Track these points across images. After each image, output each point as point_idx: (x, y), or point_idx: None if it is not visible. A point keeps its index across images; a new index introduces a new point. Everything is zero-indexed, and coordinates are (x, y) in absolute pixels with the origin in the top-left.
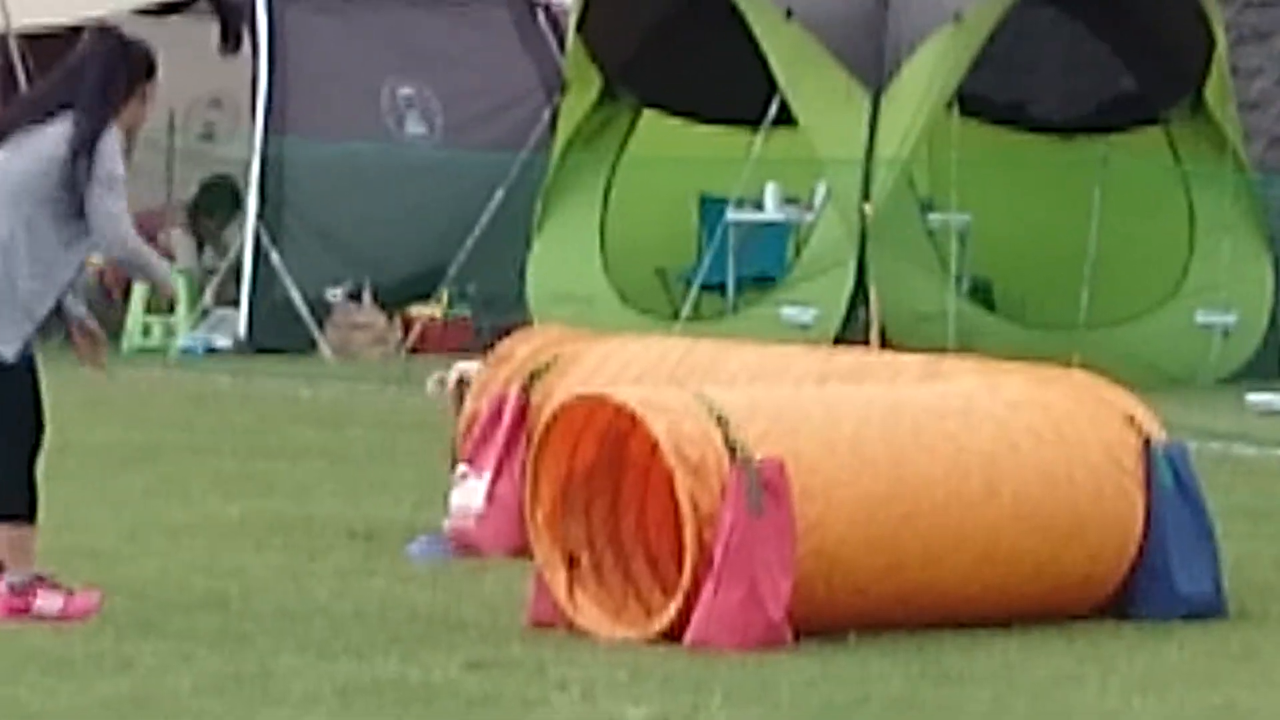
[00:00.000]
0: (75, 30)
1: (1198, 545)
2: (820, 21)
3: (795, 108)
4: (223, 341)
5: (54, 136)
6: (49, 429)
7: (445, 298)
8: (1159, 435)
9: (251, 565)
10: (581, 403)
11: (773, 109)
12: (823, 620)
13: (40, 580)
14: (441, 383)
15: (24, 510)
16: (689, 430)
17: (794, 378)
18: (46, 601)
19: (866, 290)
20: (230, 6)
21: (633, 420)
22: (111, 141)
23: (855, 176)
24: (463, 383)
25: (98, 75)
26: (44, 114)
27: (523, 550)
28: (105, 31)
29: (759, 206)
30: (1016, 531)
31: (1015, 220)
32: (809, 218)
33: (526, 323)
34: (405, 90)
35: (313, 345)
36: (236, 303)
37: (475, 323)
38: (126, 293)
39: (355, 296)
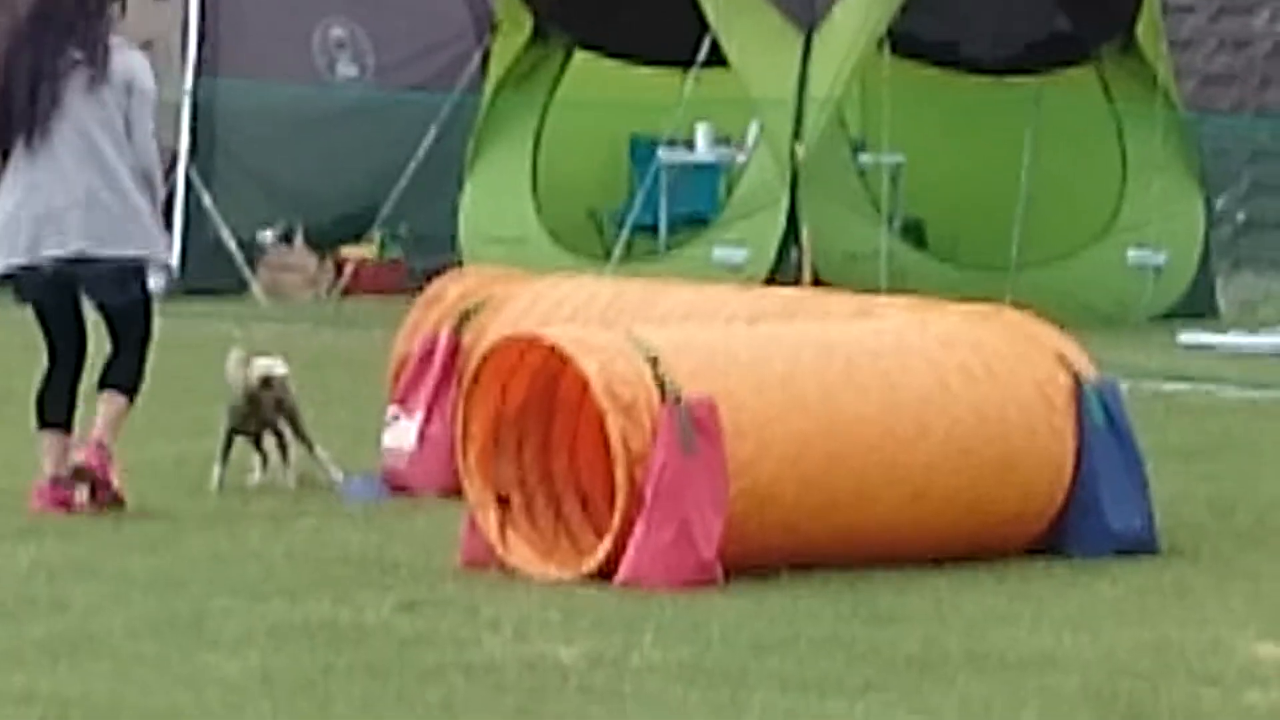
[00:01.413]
0: None
1: (1129, 482)
2: None
3: (727, 48)
4: (154, 283)
5: (122, 64)
6: None
7: (377, 239)
8: (1090, 373)
9: (184, 507)
10: (513, 343)
11: (704, 50)
12: (754, 559)
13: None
14: (245, 363)
15: (132, 387)
16: (620, 370)
17: (725, 317)
18: (80, 494)
19: (798, 230)
20: None
21: (564, 360)
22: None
23: (787, 117)
24: (268, 382)
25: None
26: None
27: (455, 490)
28: None
29: (691, 147)
30: (948, 470)
31: (947, 160)
32: (741, 158)
33: (458, 264)
34: (337, 32)
35: (244, 287)
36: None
37: (407, 264)
38: None
39: (287, 238)
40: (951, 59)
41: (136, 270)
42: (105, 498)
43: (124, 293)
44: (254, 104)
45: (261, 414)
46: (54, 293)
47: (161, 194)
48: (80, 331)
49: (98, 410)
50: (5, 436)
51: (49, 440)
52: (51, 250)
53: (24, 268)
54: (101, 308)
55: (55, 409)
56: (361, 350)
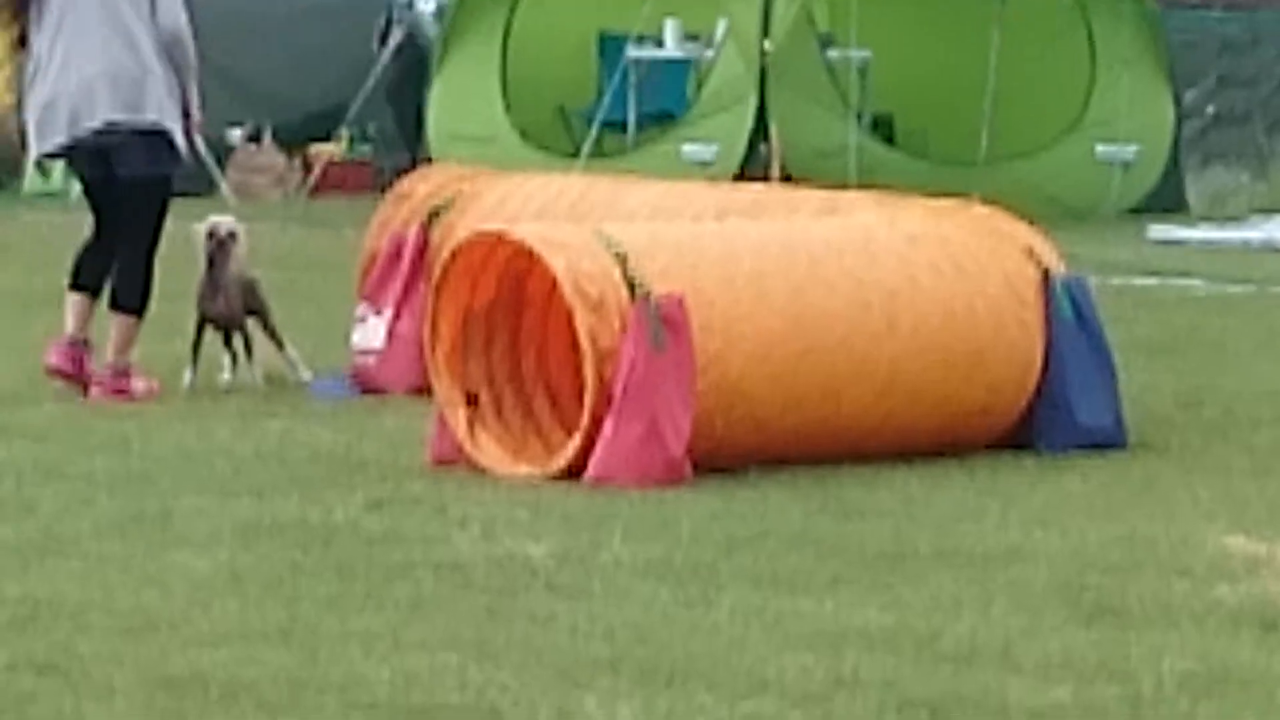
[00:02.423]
0: None
1: (1098, 377)
2: None
3: None
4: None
5: None
6: None
7: (345, 138)
8: (1058, 268)
9: (152, 407)
10: (481, 240)
11: None
12: (723, 456)
13: (131, 368)
14: (211, 235)
15: (140, 305)
16: (588, 267)
17: (693, 214)
18: (139, 385)
19: (767, 127)
20: None
21: (532, 258)
22: None
23: (755, 12)
24: (214, 236)
25: None
26: None
27: (423, 389)
28: None
29: (659, 44)
30: (916, 365)
31: (915, 55)
32: (709, 54)
33: (426, 161)
34: None
35: (213, 187)
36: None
37: (375, 163)
38: None
39: (255, 138)
40: None
41: (165, 141)
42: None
43: (150, 164)
44: (222, 3)
45: (223, 286)
46: (96, 166)
47: (193, 69)
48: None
49: (110, 331)
50: None
51: (75, 300)
52: (86, 123)
53: (68, 144)
54: (124, 182)
55: (89, 274)
56: (330, 249)
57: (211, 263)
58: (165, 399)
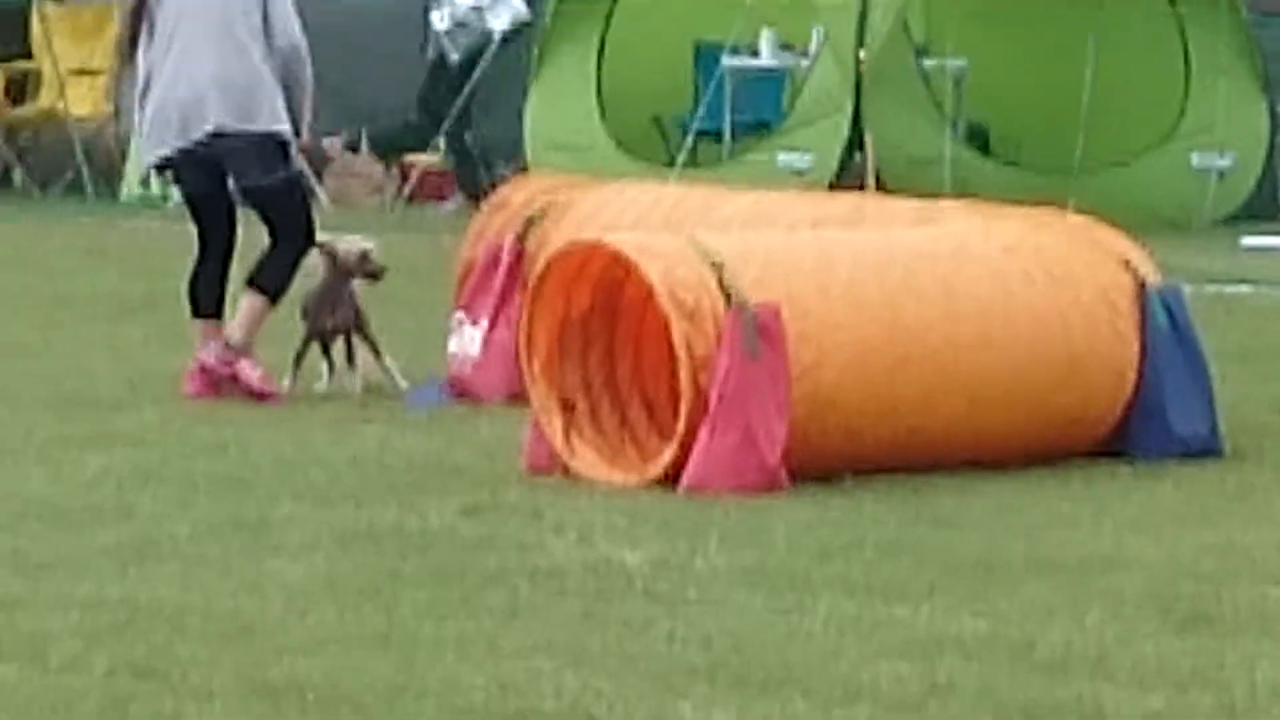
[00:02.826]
0: None
1: (1193, 386)
2: None
3: None
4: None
5: None
6: (52, 279)
7: (442, 146)
8: (1154, 277)
9: (250, 414)
10: (577, 249)
11: None
12: (818, 464)
13: (250, 352)
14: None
15: (275, 291)
16: (684, 275)
17: (789, 223)
18: (247, 370)
19: (862, 136)
20: None
21: (628, 266)
22: None
23: (851, 22)
24: (342, 257)
25: None
26: None
27: (519, 396)
28: None
29: (755, 53)
30: (1011, 374)
31: (1011, 64)
32: (804, 64)
33: (523, 170)
34: None
35: (311, 194)
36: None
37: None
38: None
39: (353, 146)
40: None
41: (279, 147)
42: (242, 391)
43: (268, 172)
44: (320, 11)
45: (340, 302)
46: (204, 177)
47: (307, 88)
48: (230, 220)
49: (238, 307)
50: (65, 340)
51: (201, 328)
52: (195, 133)
53: (178, 152)
54: (249, 193)
55: (207, 299)
56: (427, 257)
57: (333, 280)
58: (261, 404)
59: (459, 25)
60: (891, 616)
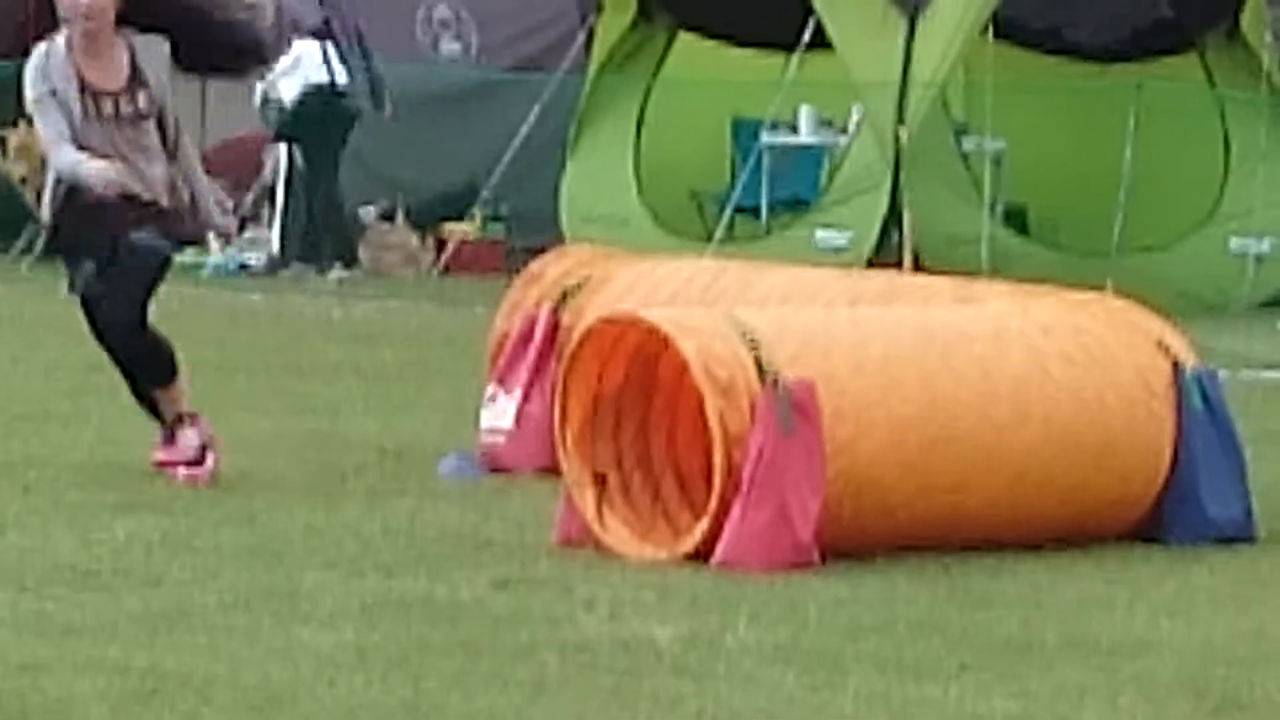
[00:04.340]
0: None
1: (1228, 469)
2: None
3: (831, 31)
4: (255, 259)
5: None
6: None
7: (478, 218)
8: (1189, 360)
9: (281, 482)
10: (612, 323)
11: (808, 32)
12: (851, 542)
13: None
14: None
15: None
16: (719, 351)
17: (826, 300)
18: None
19: (900, 214)
20: None
21: (663, 341)
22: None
23: (890, 100)
24: None
25: None
26: None
27: (552, 470)
28: None
29: (793, 129)
30: (1046, 455)
31: (1050, 145)
32: (843, 141)
33: (559, 243)
34: (441, 11)
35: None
36: (270, 221)
37: (508, 243)
38: None
39: (388, 216)
40: (1055, 45)
41: None
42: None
43: None
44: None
45: None
46: None
47: None
48: None
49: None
50: (98, 407)
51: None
52: None
53: None
54: None
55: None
56: (461, 328)
57: None
58: (292, 474)
59: (266, 100)
60: (923, 695)
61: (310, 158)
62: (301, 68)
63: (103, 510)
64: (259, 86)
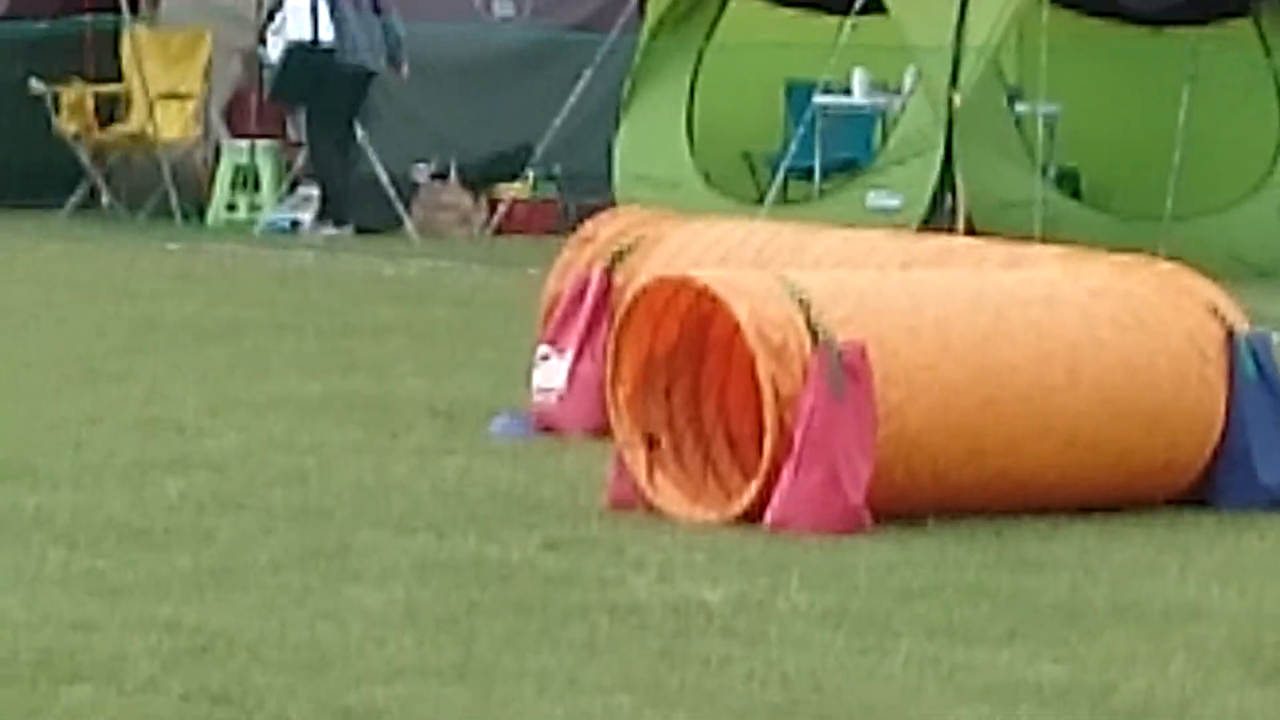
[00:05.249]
0: None
1: (1279, 435)
2: None
3: None
4: (307, 218)
5: None
6: (137, 302)
7: (531, 178)
8: (1242, 325)
9: (332, 441)
10: (664, 284)
11: None
12: (901, 505)
13: None
14: None
15: None
16: (771, 313)
17: (878, 263)
18: None
19: (953, 177)
20: None
21: (715, 302)
22: None
23: (944, 63)
24: None
25: None
26: None
27: (603, 430)
28: None
29: (847, 92)
30: (1097, 419)
31: (1103, 110)
32: (897, 104)
33: (611, 204)
34: None
35: (399, 224)
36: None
37: (560, 203)
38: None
39: (441, 175)
40: (1109, 9)
41: None
42: None
43: None
44: (411, 41)
45: None
46: None
47: None
48: None
49: None
50: (149, 364)
51: None
52: None
53: None
54: None
55: None
56: (513, 288)
57: None
58: (344, 431)
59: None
60: (971, 660)
61: (308, 117)
62: (286, 26)
63: (154, 468)
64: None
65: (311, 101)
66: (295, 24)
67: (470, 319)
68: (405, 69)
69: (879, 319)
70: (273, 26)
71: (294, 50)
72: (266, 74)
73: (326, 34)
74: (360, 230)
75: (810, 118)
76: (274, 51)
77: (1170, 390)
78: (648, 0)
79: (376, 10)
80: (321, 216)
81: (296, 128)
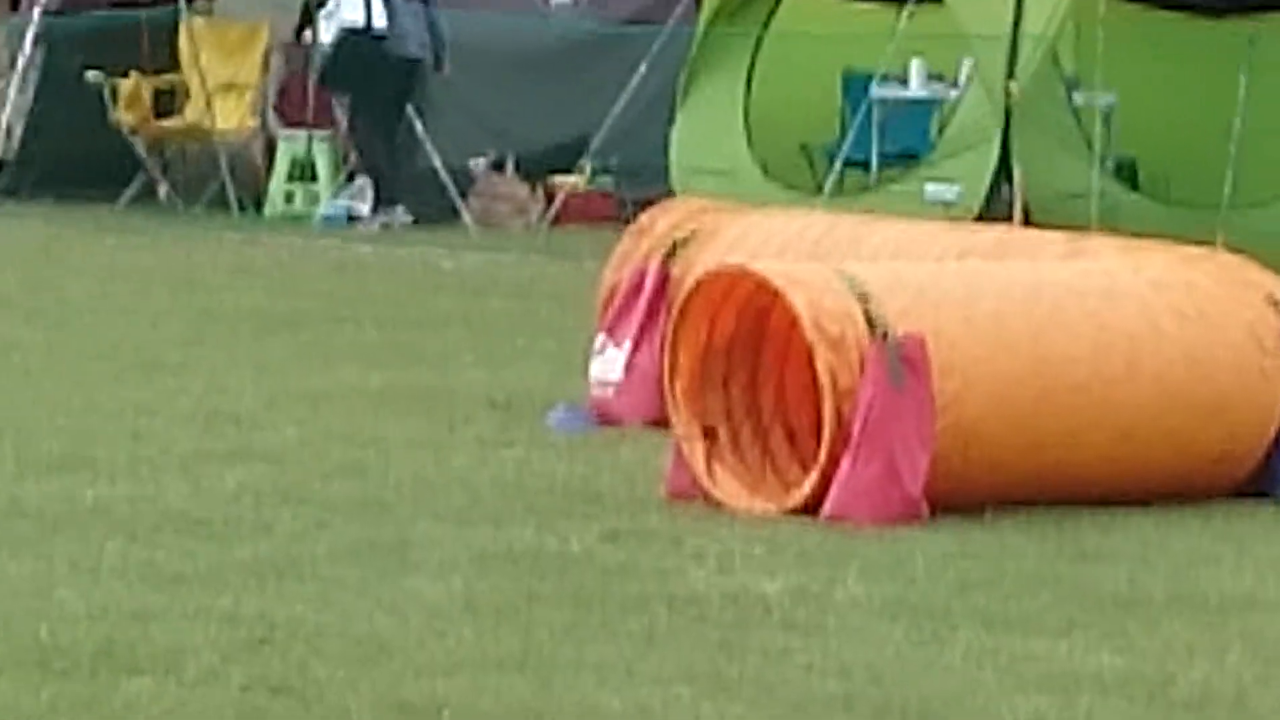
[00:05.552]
0: None
1: None
2: None
3: None
4: (365, 210)
5: None
6: (194, 294)
7: (588, 170)
8: None
9: (390, 434)
10: (722, 275)
11: None
12: (959, 496)
13: None
14: None
15: None
16: (829, 305)
17: (935, 254)
18: None
19: (1010, 168)
20: None
21: (773, 294)
22: None
23: (1001, 54)
24: None
25: None
26: None
27: (661, 421)
28: None
29: (904, 83)
30: (1156, 411)
31: (1161, 99)
32: (954, 95)
33: (669, 195)
34: None
35: (455, 215)
36: None
37: (617, 195)
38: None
39: (498, 167)
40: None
41: None
42: None
43: None
44: (468, 33)
45: None
46: None
47: None
48: None
49: None
50: (208, 356)
51: None
52: None
53: None
54: None
55: None
56: (570, 280)
57: None
58: (402, 424)
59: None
60: (1030, 650)
61: (354, 104)
62: (341, 10)
63: (212, 459)
64: (306, 33)
65: (359, 88)
66: (349, 8)
67: (528, 310)
68: (447, 66)
69: (937, 310)
70: (325, 10)
71: (346, 36)
72: (315, 57)
73: (380, 20)
74: (417, 221)
75: (867, 108)
76: (326, 35)
77: (1229, 382)
78: None
79: (425, 1)
80: (377, 207)
81: (343, 114)
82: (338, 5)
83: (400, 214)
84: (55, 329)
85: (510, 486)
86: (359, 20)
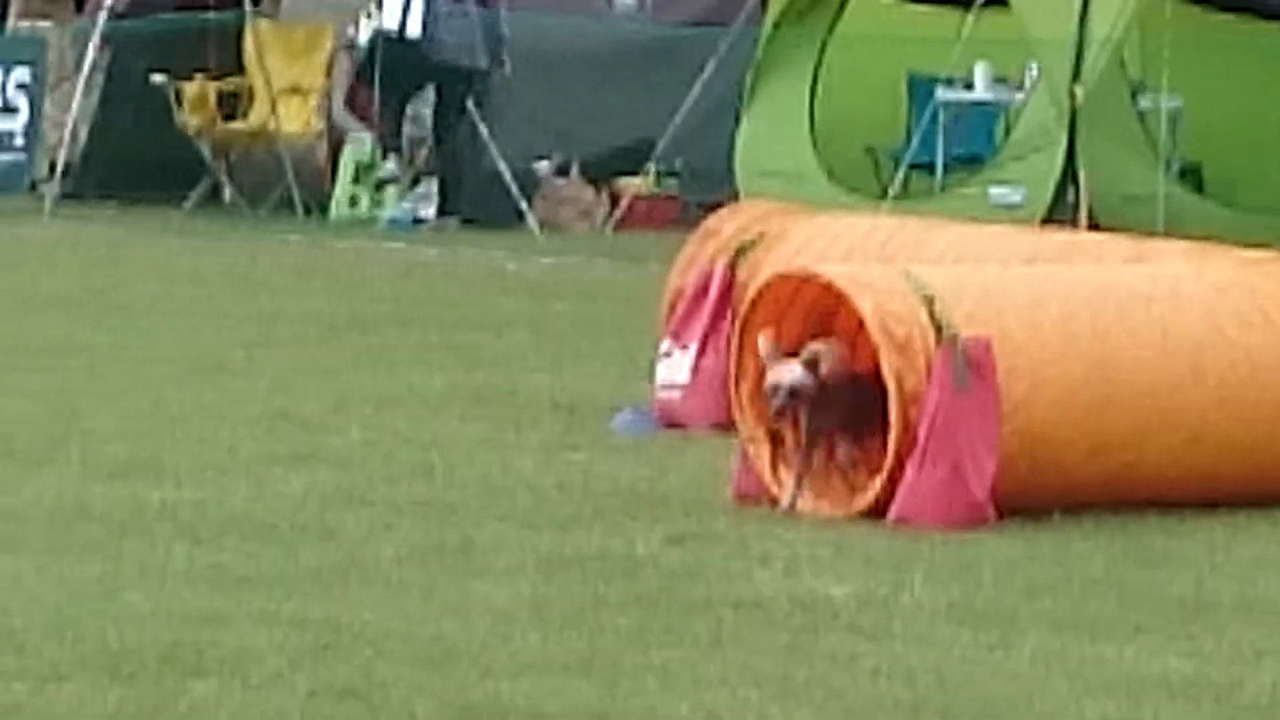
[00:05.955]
0: None
1: None
2: None
3: None
4: (429, 213)
5: None
6: (259, 297)
7: (653, 173)
8: None
9: (455, 436)
10: (788, 279)
11: None
12: (1026, 500)
13: None
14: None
15: None
16: (895, 308)
17: (1001, 258)
18: None
19: (1075, 172)
20: None
21: (839, 297)
22: None
23: (1066, 58)
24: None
25: None
26: None
27: (727, 425)
28: None
29: (969, 86)
30: (1222, 415)
31: (1227, 103)
32: (1019, 98)
33: (734, 198)
34: None
35: (520, 218)
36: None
37: (682, 198)
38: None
39: (563, 170)
40: (1233, 2)
41: None
42: None
43: None
44: (532, 35)
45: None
46: None
47: None
48: None
49: None
50: (274, 358)
51: None
52: None
53: None
54: None
55: None
56: (636, 283)
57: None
58: (468, 426)
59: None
60: (1097, 655)
61: (387, 104)
62: (381, 11)
63: (277, 463)
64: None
65: (390, 89)
66: (388, 12)
67: (593, 314)
68: (508, 67)
69: (1002, 314)
70: (368, 9)
71: (377, 38)
72: (354, 54)
73: (414, 27)
74: (471, 221)
75: (932, 112)
76: (362, 35)
77: None
78: None
79: (483, 3)
80: (442, 211)
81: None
82: (379, 8)
83: (452, 224)
84: (120, 332)
85: (576, 489)
86: (394, 25)
